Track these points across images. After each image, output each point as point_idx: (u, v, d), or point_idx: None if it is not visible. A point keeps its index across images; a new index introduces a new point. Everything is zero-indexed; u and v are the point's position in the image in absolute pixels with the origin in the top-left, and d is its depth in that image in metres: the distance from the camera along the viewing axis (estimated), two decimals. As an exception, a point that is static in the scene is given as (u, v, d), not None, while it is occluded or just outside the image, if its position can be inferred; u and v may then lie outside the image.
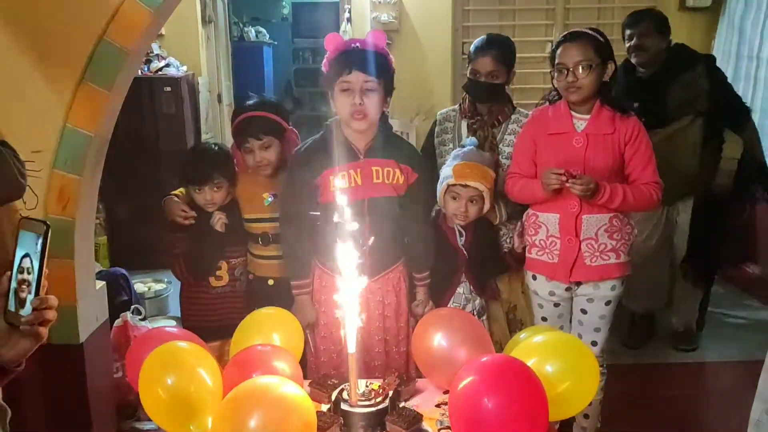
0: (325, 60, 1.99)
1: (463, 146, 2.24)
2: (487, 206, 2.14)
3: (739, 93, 4.65)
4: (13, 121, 2.07)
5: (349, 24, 5.07)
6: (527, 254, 2.23)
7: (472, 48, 2.40)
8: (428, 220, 2.24)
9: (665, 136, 2.85)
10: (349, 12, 4.94)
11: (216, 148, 2.38)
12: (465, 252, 2.21)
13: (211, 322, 2.30)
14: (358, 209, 1.93)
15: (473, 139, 2.23)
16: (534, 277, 2.24)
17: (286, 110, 2.41)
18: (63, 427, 2.23)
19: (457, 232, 2.21)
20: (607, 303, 2.17)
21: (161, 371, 1.39)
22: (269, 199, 2.27)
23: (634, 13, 3.06)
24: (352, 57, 1.92)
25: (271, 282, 2.29)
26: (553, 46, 2.13)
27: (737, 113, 3.07)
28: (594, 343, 2.18)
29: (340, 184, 1.85)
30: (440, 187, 2.16)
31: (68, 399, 2.23)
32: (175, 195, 2.37)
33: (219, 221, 2.28)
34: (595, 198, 2.01)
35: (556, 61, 2.07)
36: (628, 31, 3.01)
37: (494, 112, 2.38)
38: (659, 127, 2.76)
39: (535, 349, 1.51)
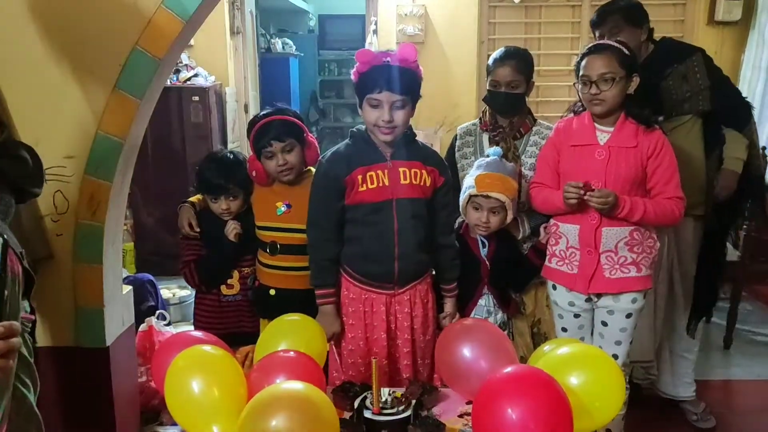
0: (355, 70, 1.98)
1: (487, 156, 2.23)
2: (509, 217, 2.11)
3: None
4: (49, 127, 2.11)
5: (375, 36, 5.10)
6: (547, 263, 2.22)
7: (490, 60, 2.40)
8: (454, 229, 2.22)
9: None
10: (376, 24, 4.96)
11: (231, 156, 2.38)
12: (488, 263, 2.19)
13: (220, 330, 2.28)
14: (387, 210, 1.97)
15: (498, 149, 2.22)
16: (554, 287, 2.23)
17: (302, 119, 2.38)
18: (87, 429, 2.25)
19: (480, 243, 2.20)
20: (628, 316, 2.14)
21: (187, 374, 1.41)
22: (282, 209, 2.24)
23: (600, 9, 2.60)
24: (381, 75, 1.91)
25: (272, 292, 2.27)
26: (579, 58, 2.12)
27: (739, 110, 2.65)
28: (615, 357, 2.15)
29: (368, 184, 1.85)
30: (462, 198, 2.15)
31: (93, 402, 2.24)
32: (191, 202, 2.38)
33: (233, 231, 2.28)
34: (615, 212, 2.00)
35: (581, 73, 2.06)
36: (597, 32, 2.57)
37: (516, 124, 2.37)
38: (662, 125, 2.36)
39: (561, 361, 1.49)
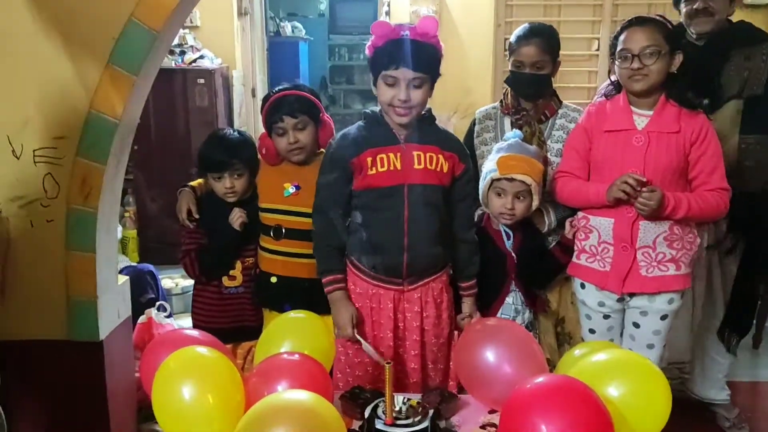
0: (370, 44, 1.83)
1: (506, 140, 2.07)
2: (535, 203, 1.95)
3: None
4: (37, 105, 2.01)
5: (387, 18, 4.97)
6: (575, 260, 2.06)
7: (513, 38, 2.22)
8: (475, 222, 2.06)
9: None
10: (388, 5, 4.87)
11: (236, 133, 2.28)
12: (514, 256, 2.02)
13: (222, 323, 2.20)
14: (398, 196, 1.83)
15: (518, 132, 2.06)
16: (582, 286, 2.06)
17: (319, 97, 2.25)
18: (80, 427, 2.16)
19: (504, 234, 2.02)
20: (663, 317, 1.99)
21: (178, 378, 1.27)
22: (290, 190, 2.12)
23: None
24: (400, 50, 1.76)
25: (273, 279, 2.15)
26: (616, 32, 1.96)
27: None
28: None
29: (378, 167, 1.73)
30: (483, 184, 1.98)
31: (86, 398, 2.16)
32: (192, 186, 2.27)
33: (238, 219, 2.16)
34: (659, 212, 1.84)
35: (620, 47, 1.90)
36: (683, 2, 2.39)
37: (540, 107, 2.21)
38: (709, 111, 2.17)
39: (598, 368, 1.34)
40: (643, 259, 1.94)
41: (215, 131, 2.37)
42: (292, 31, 7.28)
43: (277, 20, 7.28)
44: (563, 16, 4.77)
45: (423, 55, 1.77)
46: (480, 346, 1.50)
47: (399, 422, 1.37)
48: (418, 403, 1.44)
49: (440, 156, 1.87)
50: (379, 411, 1.40)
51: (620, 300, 2.02)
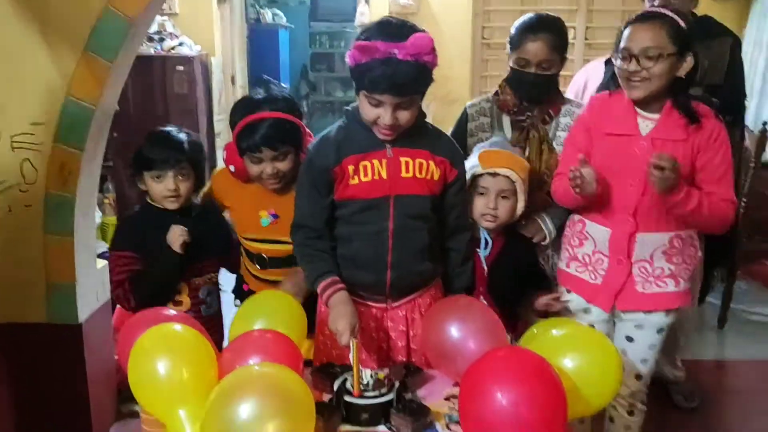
0: (350, 53, 1.54)
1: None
2: (520, 206, 1.79)
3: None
4: (14, 91, 2.02)
5: (367, 6, 4.98)
6: (564, 267, 1.93)
7: (515, 30, 1.97)
8: (469, 229, 1.82)
9: None
10: (368, -7, 4.85)
11: (181, 133, 2.00)
12: (485, 266, 1.82)
13: None
14: (383, 209, 1.63)
15: (502, 135, 1.90)
16: (569, 290, 1.93)
17: (300, 109, 1.98)
18: (60, 409, 2.19)
19: (483, 241, 1.82)
20: (660, 331, 1.86)
21: (153, 353, 1.32)
22: (267, 220, 1.89)
23: None
24: (385, 74, 1.48)
25: None
26: (622, 27, 1.77)
27: (738, 106, 2.56)
28: (638, 377, 1.89)
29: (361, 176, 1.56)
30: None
31: (66, 380, 2.18)
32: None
33: (179, 238, 1.86)
34: (672, 194, 1.64)
35: (621, 45, 1.72)
36: None
37: (545, 107, 2.00)
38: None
39: (554, 342, 1.41)
40: (640, 274, 1.80)
41: (158, 129, 2.05)
42: (273, 18, 7.24)
43: (258, 7, 7.22)
44: (540, 4, 4.83)
45: (414, 77, 1.51)
46: (445, 322, 1.55)
47: (366, 394, 1.43)
48: (384, 376, 1.50)
49: (431, 162, 1.66)
50: (348, 384, 1.46)
51: (610, 312, 1.87)
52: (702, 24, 2.51)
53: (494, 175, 1.76)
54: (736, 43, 2.53)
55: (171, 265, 1.88)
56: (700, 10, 2.68)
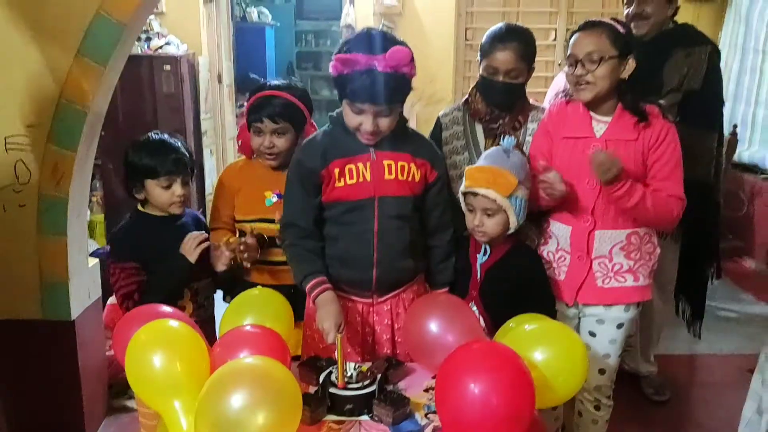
0: (333, 64, 1.63)
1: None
2: (513, 221, 1.77)
3: (745, 86, 4.61)
4: (8, 94, 2.07)
5: (352, 6, 5.03)
6: None
7: (486, 39, 2.03)
8: (450, 227, 1.89)
9: None
10: (353, -6, 4.90)
11: (175, 140, 2.02)
12: (479, 273, 1.85)
13: None
14: (368, 210, 1.72)
15: (511, 139, 1.84)
16: None
17: (311, 101, 2.11)
18: (53, 404, 2.25)
19: (483, 248, 1.85)
20: (620, 326, 1.94)
21: (149, 348, 1.39)
22: (272, 199, 2.00)
23: None
24: (365, 85, 1.59)
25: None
26: (569, 36, 1.89)
27: (715, 112, 2.63)
28: (602, 372, 1.97)
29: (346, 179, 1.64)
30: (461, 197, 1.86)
31: (59, 375, 2.24)
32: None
33: (197, 248, 1.88)
34: (613, 186, 1.74)
35: (568, 52, 1.84)
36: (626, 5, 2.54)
37: (515, 114, 2.08)
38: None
39: (525, 336, 1.51)
40: (599, 269, 1.89)
41: (151, 136, 2.04)
42: (259, 16, 7.25)
43: (244, 5, 7.22)
44: (522, 6, 4.92)
45: (394, 87, 1.62)
46: (425, 317, 1.64)
47: (350, 386, 1.51)
48: (367, 369, 1.58)
49: (412, 164, 1.75)
50: (332, 377, 1.54)
51: (574, 307, 1.96)
52: (682, 32, 2.59)
53: (475, 194, 1.78)
54: (715, 51, 2.60)
55: (183, 274, 1.90)
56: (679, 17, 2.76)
